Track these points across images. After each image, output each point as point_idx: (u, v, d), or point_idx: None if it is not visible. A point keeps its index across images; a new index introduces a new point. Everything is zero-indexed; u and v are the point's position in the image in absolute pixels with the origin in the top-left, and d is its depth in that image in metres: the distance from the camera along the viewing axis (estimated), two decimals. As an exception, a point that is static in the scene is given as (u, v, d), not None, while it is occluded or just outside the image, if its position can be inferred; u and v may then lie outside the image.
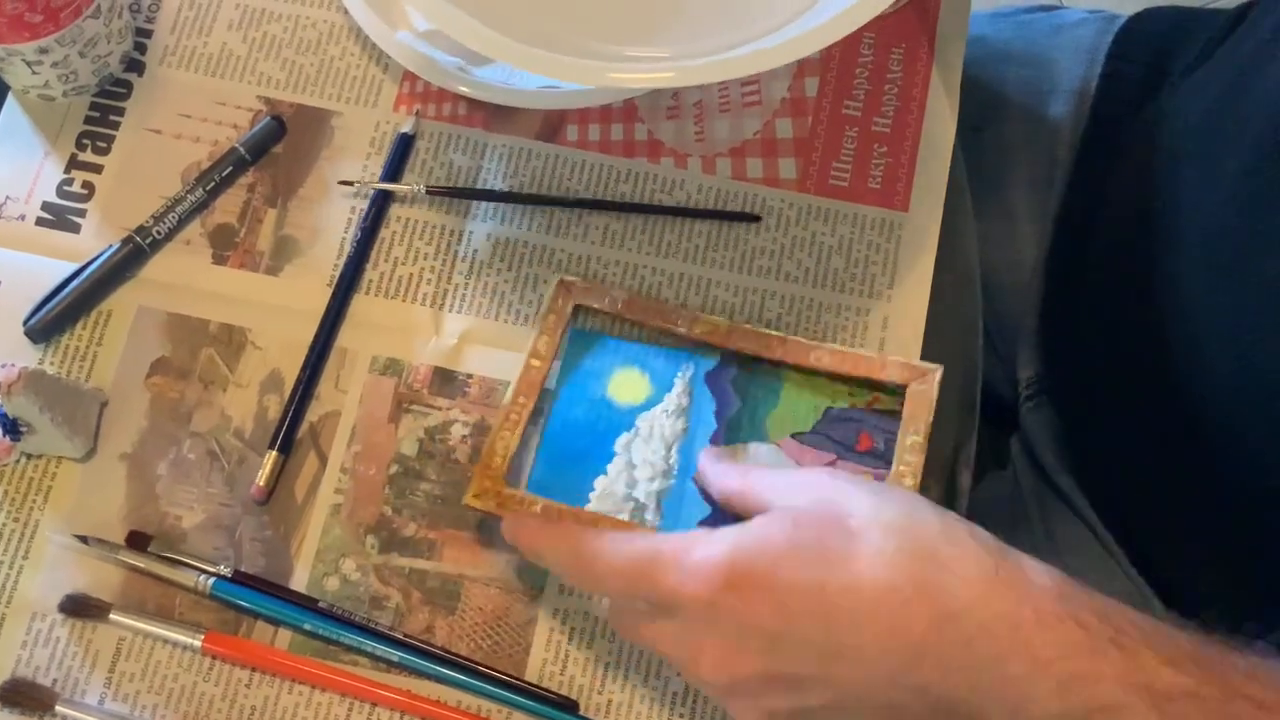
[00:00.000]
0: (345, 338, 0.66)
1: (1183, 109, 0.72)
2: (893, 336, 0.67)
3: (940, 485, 0.67)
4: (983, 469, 0.77)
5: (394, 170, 0.69)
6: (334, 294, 0.66)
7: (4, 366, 0.60)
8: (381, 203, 0.68)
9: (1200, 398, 0.65)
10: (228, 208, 0.68)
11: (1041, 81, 0.83)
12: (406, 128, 0.69)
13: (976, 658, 0.47)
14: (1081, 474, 0.78)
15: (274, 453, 0.63)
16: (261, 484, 0.63)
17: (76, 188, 0.68)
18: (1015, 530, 0.78)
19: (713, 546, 0.50)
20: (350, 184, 0.68)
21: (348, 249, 0.67)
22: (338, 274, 0.67)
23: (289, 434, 0.64)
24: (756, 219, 0.68)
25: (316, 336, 0.65)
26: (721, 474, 0.59)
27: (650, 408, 0.64)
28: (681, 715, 0.61)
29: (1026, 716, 0.47)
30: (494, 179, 0.69)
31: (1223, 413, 0.64)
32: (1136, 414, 0.72)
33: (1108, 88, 0.81)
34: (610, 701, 0.61)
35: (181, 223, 0.67)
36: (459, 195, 0.68)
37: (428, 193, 0.68)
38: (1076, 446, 0.78)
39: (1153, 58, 0.79)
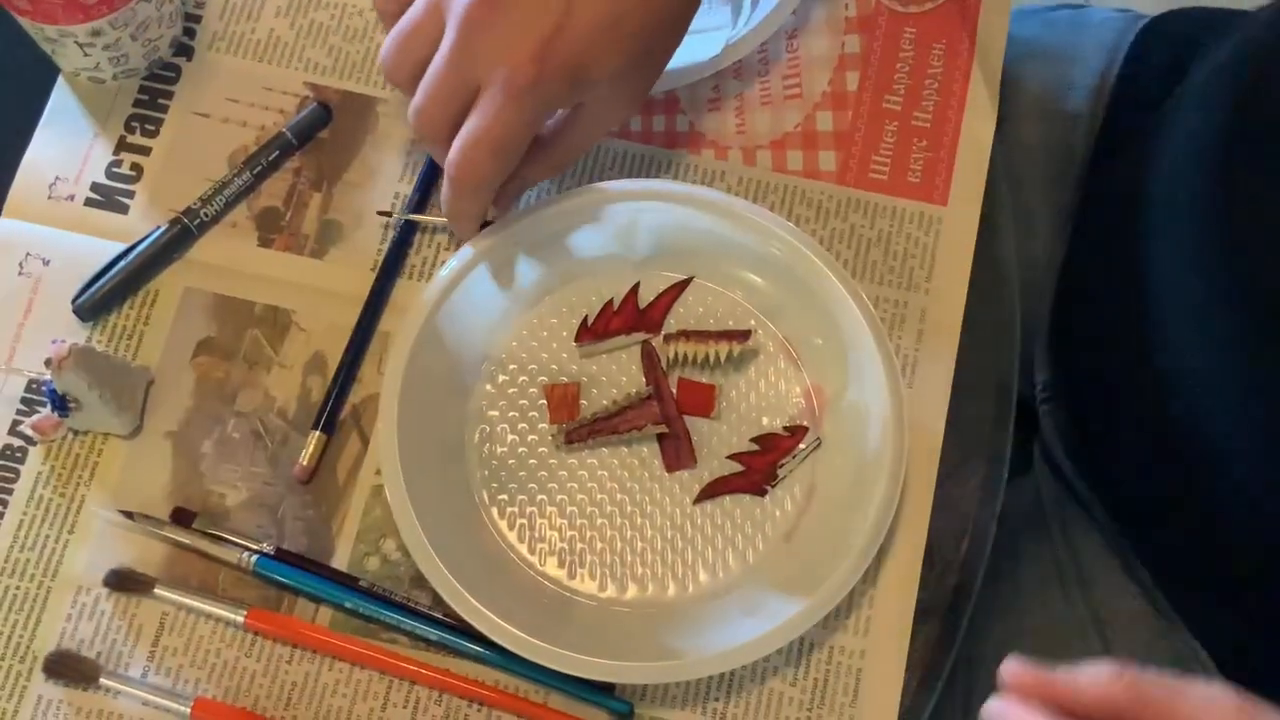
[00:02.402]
0: (388, 322, 0.67)
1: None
2: (930, 330, 0.67)
3: (977, 491, 0.67)
4: (1010, 472, 0.77)
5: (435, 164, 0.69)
6: (377, 278, 0.67)
7: (54, 343, 0.61)
8: (425, 188, 0.69)
9: (1207, 410, 0.64)
10: (274, 191, 0.69)
11: (1062, 78, 0.82)
12: (451, 115, 0.70)
13: None
14: (1097, 484, 0.76)
15: (317, 433, 0.64)
16: (305, 464, 0.63)
17: (125, 169, 0.69)
18: (1038, 543, 0.78)
19: None
20: (387, 214, 0.68)
21: (391, 234, 0.68)
22: (381, 259, 0.67)
23: (332, 415, 0.64)
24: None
25: (360, 320, 0.66)
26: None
27: None
28: (717, 699, 0.62)
29: None
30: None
31: (1226, 427, 0.63)
32: (1145, 426, 0.71)
33: (1125, 86, 0.81)
34: (646, 685, 0.62)
35: (228, 205, 0.68)
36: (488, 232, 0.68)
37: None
38: (1090, 455, 0.77)
39: (1172, 58, 0.78)
